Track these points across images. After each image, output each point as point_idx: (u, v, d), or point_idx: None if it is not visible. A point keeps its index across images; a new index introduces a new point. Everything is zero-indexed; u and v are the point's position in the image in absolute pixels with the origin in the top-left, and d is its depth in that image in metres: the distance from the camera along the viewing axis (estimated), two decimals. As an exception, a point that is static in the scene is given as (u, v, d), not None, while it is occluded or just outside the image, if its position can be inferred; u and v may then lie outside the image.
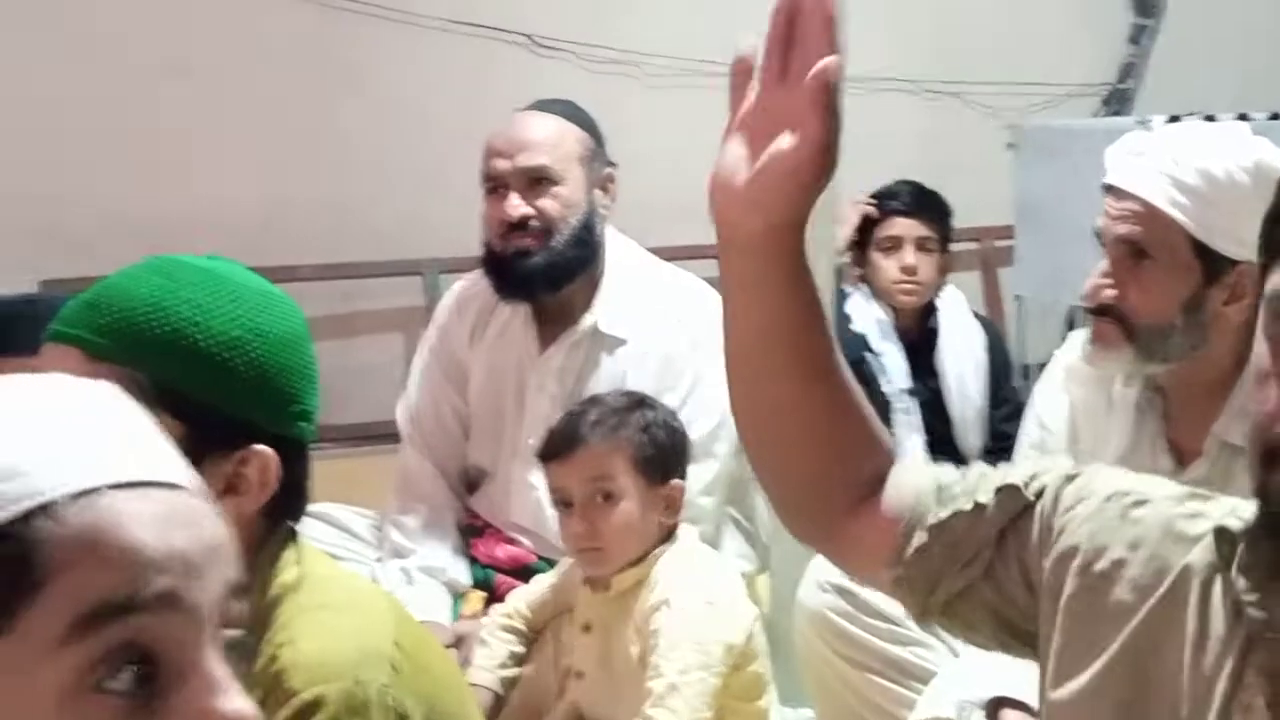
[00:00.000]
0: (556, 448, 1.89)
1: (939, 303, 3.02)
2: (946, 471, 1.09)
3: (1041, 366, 2.08)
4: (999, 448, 2.60)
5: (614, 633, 1.87)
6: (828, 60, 0.96)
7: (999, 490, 1.04)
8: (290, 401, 1.07)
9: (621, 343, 2.26)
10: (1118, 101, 4.52)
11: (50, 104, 3.62)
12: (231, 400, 1.03)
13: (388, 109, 3.94)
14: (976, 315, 3.17)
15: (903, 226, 2.97)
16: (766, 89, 1.01)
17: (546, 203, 2.20)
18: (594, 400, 1.98)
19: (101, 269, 1.20)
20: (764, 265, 1.04)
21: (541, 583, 2.05)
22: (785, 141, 0.98)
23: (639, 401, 1.94)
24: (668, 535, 1.89)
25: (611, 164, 2.31)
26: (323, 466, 1.16)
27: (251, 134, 3.86)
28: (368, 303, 3.96)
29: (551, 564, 2.15)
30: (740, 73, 1.03)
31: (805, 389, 1.06)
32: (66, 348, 1.03)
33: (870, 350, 2.91)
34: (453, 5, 3.92)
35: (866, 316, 2.96)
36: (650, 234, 2.52)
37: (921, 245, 2.96)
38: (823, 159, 0.97)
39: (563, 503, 1.89)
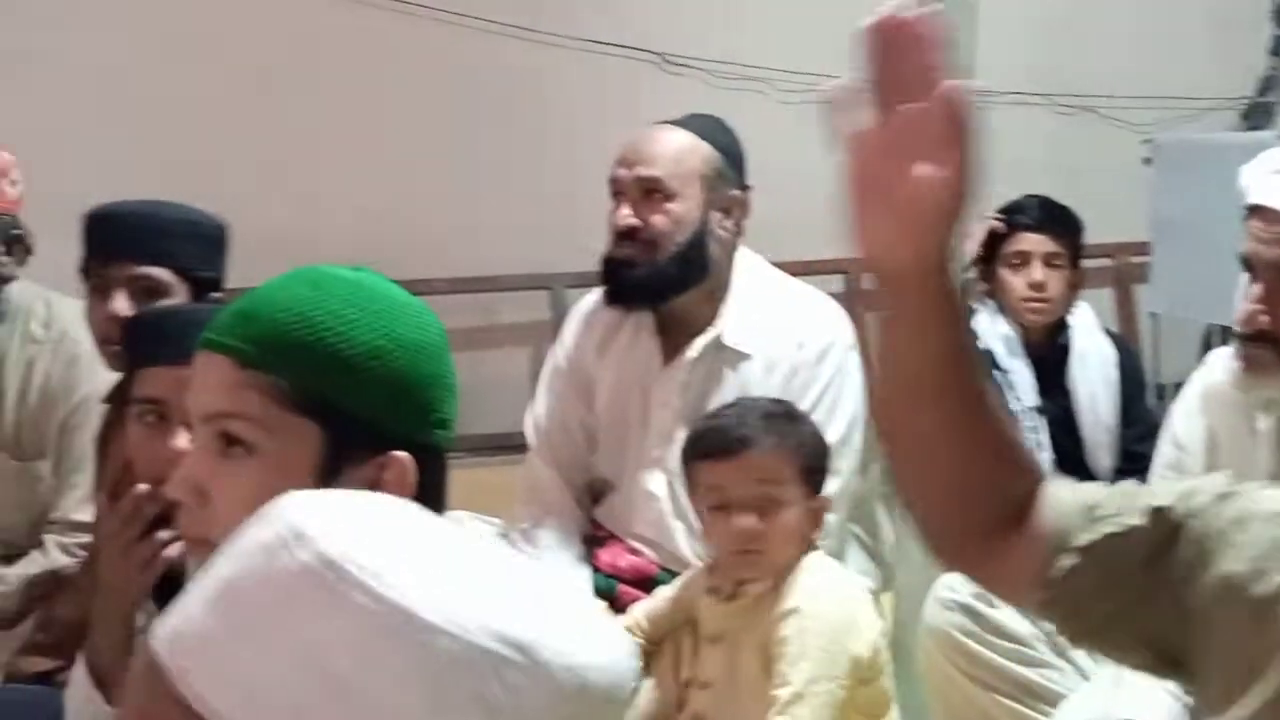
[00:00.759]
0: (722, 447, 1.86)
1: (1070, 319, 2.97)
2: (1095, 491, 1.07)
3: (1177, 386, 2.04)
4: (1130, 468, 2.55)
5: (742, 643, 1.87)
6: (952, 86, 0.95)
7: (1151, 511, 1.01)
8: (429, 409, 1.10)
9: (746, 357, 2.26)
10: (1258, 116, 4.40)
11: (203, 129, 3.77)
12: (372, 407, 1.06)
13: (522, 126, 4.02)
14: (1109, 333, 3.11)
15: (1031, 242, 2.93)
16: (882, 113, 1.00)
17: (656, 216, 2.22)
18: (755, 401, 1.96)
19: (249, 282, 1.25)
20: (915, 298, 1.03)
21: (661, 595, 2.07)
22: (923, 172, 0.97)
23: (794, 411, 1.94)
24: (808, 549, 1.89)
25: (745, 187, 2.31)
26: (452, 474, 1.19)
27: (389, 151, 3.97)
28: (498, 316, 4.03)
29: (674, 575, 2.16)
30: (839, 101, 1.02)
31: (955, 419, 1.05)
32: (218, 355, 1.07)
33: (998, 367, 2.87)
34: (586, 24, 3.98)
35: (993, 333, 2.92)
36: (778, 248, 2.52)
37: (1050, 261, 2.92)
38: (965, 188, 0.97)
39: (720, 504, 1.86)
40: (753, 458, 1.84)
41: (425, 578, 0.66)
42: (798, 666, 1.75)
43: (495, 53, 3.99)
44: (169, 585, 1.53)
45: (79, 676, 1.55)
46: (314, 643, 0.64)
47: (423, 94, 3.99)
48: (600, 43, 3.99)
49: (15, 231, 2.31)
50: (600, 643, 0.70)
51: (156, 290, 1.96)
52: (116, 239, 1.97)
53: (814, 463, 1.88)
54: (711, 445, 1.88)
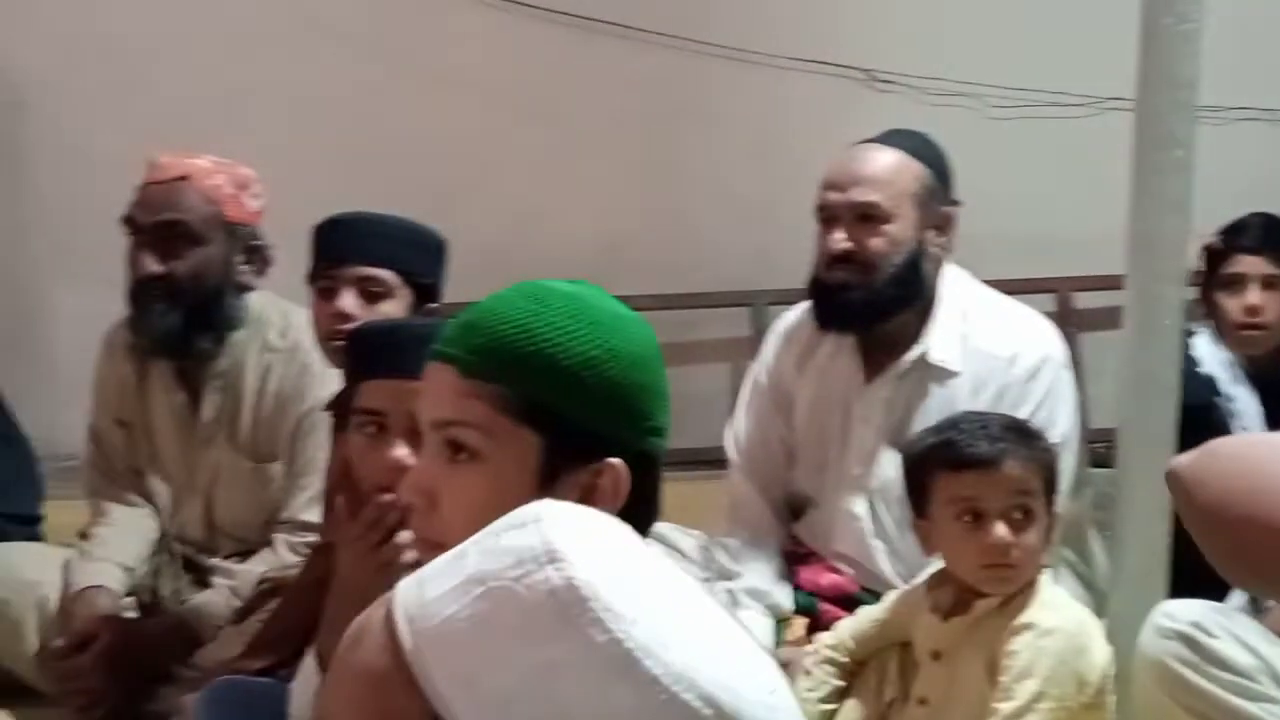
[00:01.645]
0: (979, 458, 1.83)
1: (1298, 345, 2.83)
2: None
3: None
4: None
5: (964, 659, 1.85)
6: None
7: None
8: (642, 417, 1.13)
9: (953, 374, 2.23)
10: None
11: (425, 151, 3.92)
12: (588, 415, 1.10)
13: (727, 144, 4.04)
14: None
15: (1247, 264, 2.79)
16: None
17: (873, 240, 2.18)
18: (984, 418, 1.91)
19: (468, 296, 1.30)
20: None
21: (867, 615, 2.05)
22: None
23: (1027, 425, 1.91)
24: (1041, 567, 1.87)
25: (954, 202, 2.27)
26: (656, 487, 1.21)
27: (598, 170, 4.05)
28: (698, 333, 4.06)
29: (875, 595, 2.14)
30: None
31: None
32: (445, 366, 1.12)
33: (1220, 394, 2.76)
34: (794, 42, 3.99)
35: (1215, 359, 2.81)
36: (987, 266, 2.48)
37: (1270, 284, 2.79)
38: None
39: (971, 513, 1.83)
40: (1010, 469, 1.81)
41: (655, 627, 0.69)
42: (1024, 683, 1.72)
43: (700, 72, 4.03)
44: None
45: (307, 669, 1.62)
46: (546, 664, 0.67)
47: (630, 113, 4.05)
48: (806, 60, 3.99)
49: (255, 242, 2.45)
50: (783, 715, 0.73)
51: (381, 291, 2.05)
52: (347, 242, 2.07)
53: (1052, 477, 1.85)
54: (966, 456, 1.83)
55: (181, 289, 2.36)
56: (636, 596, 0.70)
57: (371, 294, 2.04)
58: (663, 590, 0.73)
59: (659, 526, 2.41)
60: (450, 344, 1.13)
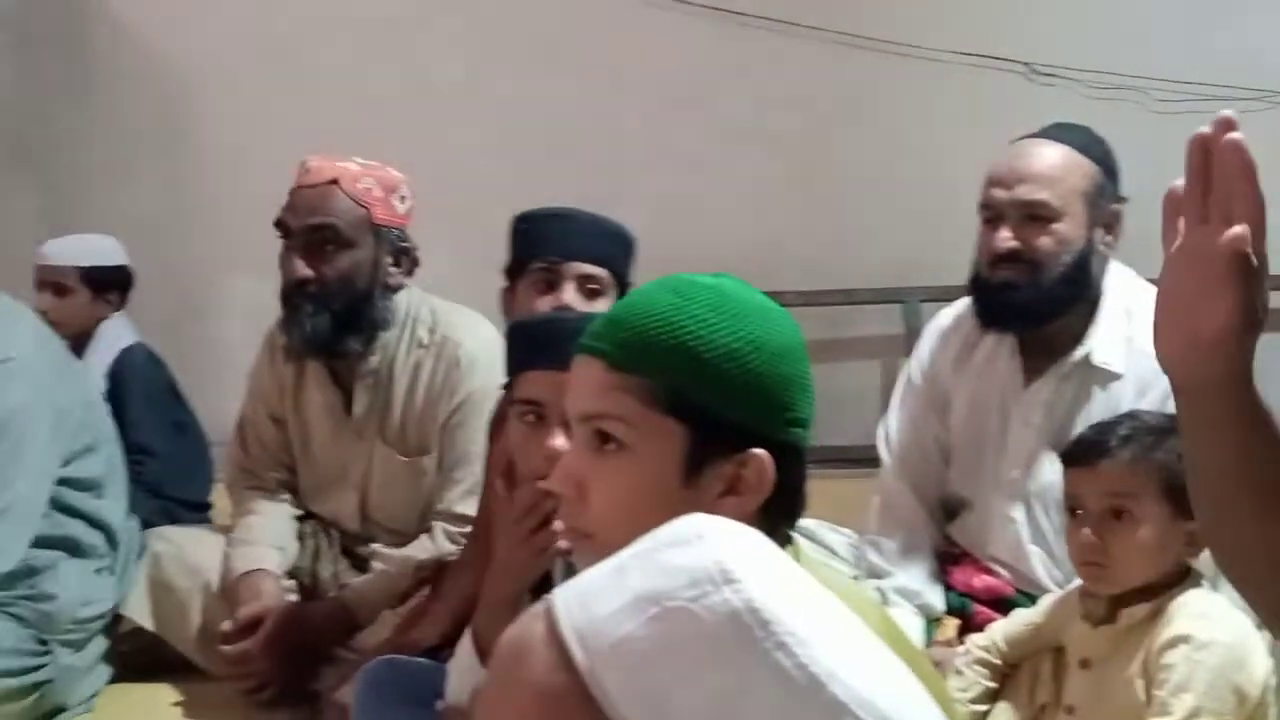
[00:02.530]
0: (1079, 455, 1.83)
1: None
2: None
3: None
4: None
5: (1114, 668, 1.81)
6: (1237, 231, 0.98)
7: None
8: (786, 409, 1.13)
9: (1116, 376, 2.17)
10: None
11: (583, 148, 3.97)
12: (732, 407, 1.11)
13: (882, 139, 4.01)
14: None
15: None
16: (1188, 227, 1.04)
17: (1041, 239, 2.14)
18: (1133, 415, 1.90)
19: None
20: (1219, 409, 1.06)
21: (1021, 618, 2.02)
22: (1211, 305, 1.02)
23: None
24: (1184, 574, 1.81)
25: (1121, 199, 2.21)
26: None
27: (753, 165, 4.05)
28: (849, 329, 4.03)
29: (1030, 598, 2.10)
30: (1169, 204, 1.06)
31: (1269, 528, 1.06)
32: (592, 359, 1.14)
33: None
34: (951, 35, 3.93)
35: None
36: (1154, 265, 2.41)
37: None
38: (1248, 321, 1.01)
39: (1072, 509, 1.83)
40: (1105, 468, 1.79)
41: (833, 651, 0.69)
42: (1180, 697, 1.68)
43: (857, 66, 4.00)
44: (544, 577, 1.64)
45: (464, 649, 1.67)
46: (731, 688, 0.67)
47: (786, 109, 4.05)
48: (964, 53, 3.93)
49: (403, 244, 2.48)
50: None
51: (598, 289, 2.07)
52: (571, 239, 2.09)
53: (1180, 483, 1.80)
54: (1071, 453, 1.86)
55: (331, 292, 2.39)
56: (811, 619, 0.70)
57: (590, 291, 2.07)
58: (828, 612, 0.73)
59: (808, 523, 2.43)
60: (596, 338, 1.15)
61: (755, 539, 0.75)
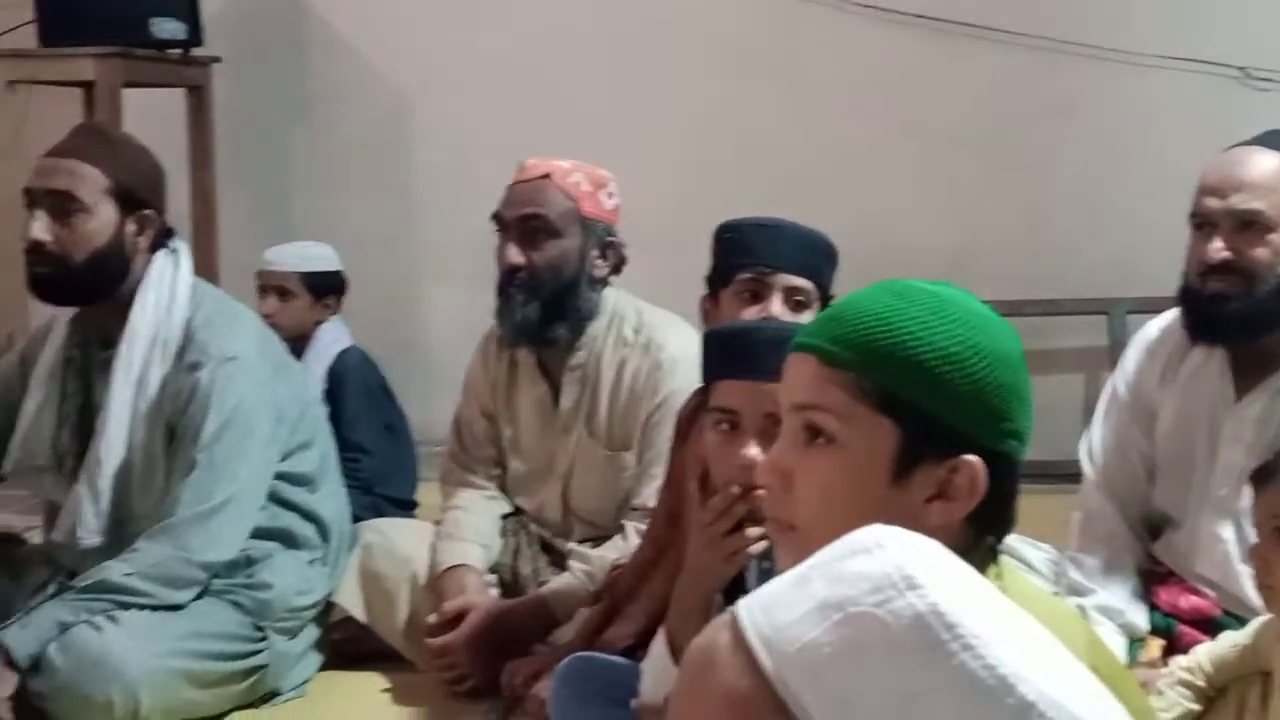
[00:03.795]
0: (1267, 474, 1.80)
1: None
2: None
3: None
4: None
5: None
6: None
7: None
8: (1001, 418, 1.12)
9: (1334, 392, 2.10)
10: None
11: (768, 153, 3.99)
12: (946, 410, 1.10)
13: (1087, 146, 3.92)
14: None
15: None
16: None
17: (1256, 250, 2.08)
18: None
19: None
20: None
21: (1228, 640, 1.96)
22: None
23: None
24: None
25: None
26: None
27: (949, 172, 4.00)
28: (1052, 341, 3.94)
29: (1238, 620, 2.04)
30: None
31: None
32: (806, 355, 1.15)
33: None
34: (1161, 39, 3.82)
35: None
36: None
37: None
38: None
39: (1274, 530, 1.78)
40: (1271, 491, 1.74)
41: (1019, 652, 0.69)
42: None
43: (1059, 71, 3.91)
44: (735, 582, 1.67)
45: (658, 648, 1.70)
46: (918, 690, 0.68)
47: (984, 115, 3.99)
48: (1174, 58, 3.81)
49: (610, 239, 2.57)
50: None
51: (804, 301, 2.08)
52: (782, 250, 2.09)
53: None
54: (1263, 471, 1.81)
55: (540, 279, 2.50)
56: (995, 623, 0.70)
57: (797, 303, 2.07)
58: (1011, 618, 0.73)
59: (1007, 539, 2.38)
60: (812, 335, 1.16)
61: (934, 547, 0.75)
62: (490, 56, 4.18)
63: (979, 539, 1.13)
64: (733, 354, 1.69)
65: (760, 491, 1.58)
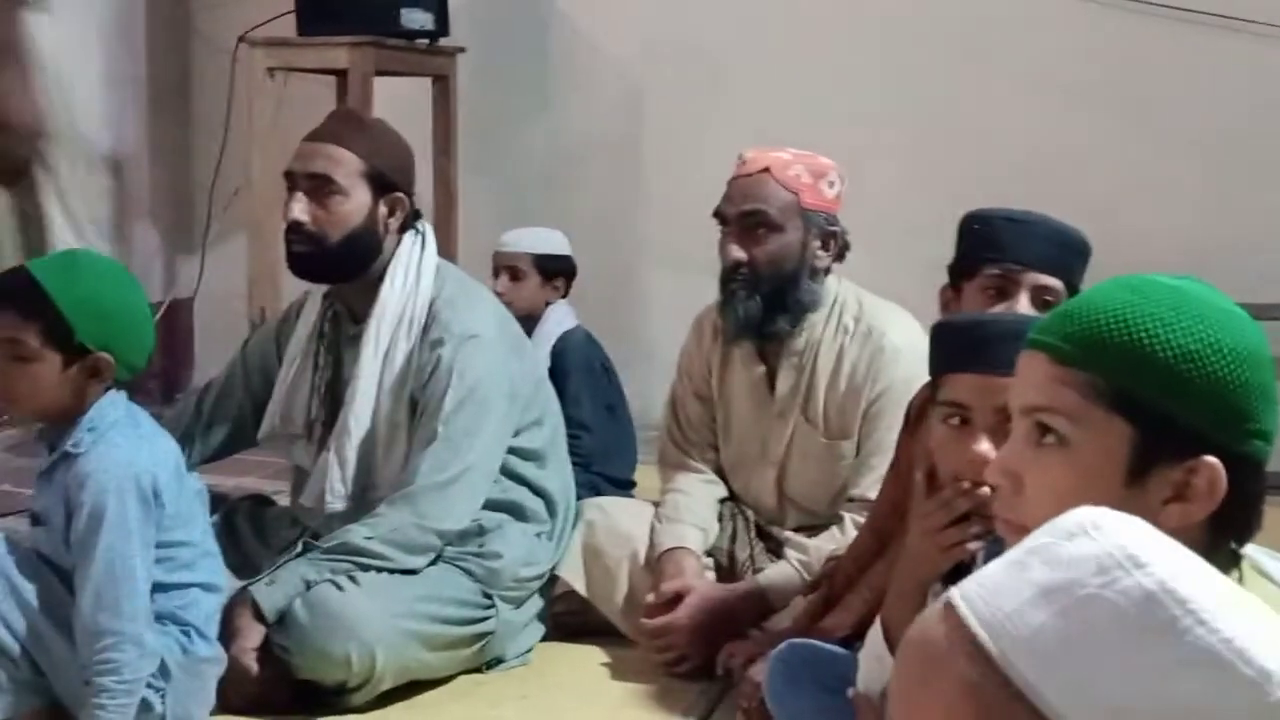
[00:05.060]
0: None
1: None
2: None
3: None
4: None
5: None
6: None
7: None
8: (1246, 418, 1.09)
9: None
10: None
11: (1013, 149, 3.91)
12: (1185, 410, 1.07)
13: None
14: None
15: None
16: None
17: None
18: None
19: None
20: None
21: None
22: None
23: None
24: None
25: None
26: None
27: (1185, 169, 3.86)
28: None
29: None
30: None
31: None
32: (1038, 353, 1.13)
33: None
34: None
35: None
36: None
37: None
38: None
39: None
40: None
41: (1250, 626, 0.69)
42: None
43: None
44: (958, 573, 1.66)
45: (874, 638, 1.71)
46: (1157, 668, 0.68)
47: (1229, 111, 3.83)
48: None
49: (831, 228, 2.57)
50: None
51: (1052, 302, 1.99)
52: (1032, 246, 2.03)
53: None
54: None
55: (761, 274, 2.52)
56: (1225, 597, 0.70)
57: (1045, 303, 1.99)
58: (1239, 593, 0.73)
59: (1246, 549, 2.30)
60: (1045, 332, 1.14)
61: (1148, 527, 0.75)
62: (722, 49, 4.22)
63: (1220, 542, 1.10)
64: (964, 347, 1.67)
65: (985, 489, 1.58)
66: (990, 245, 2.05)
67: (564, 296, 3.41)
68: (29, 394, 2.05)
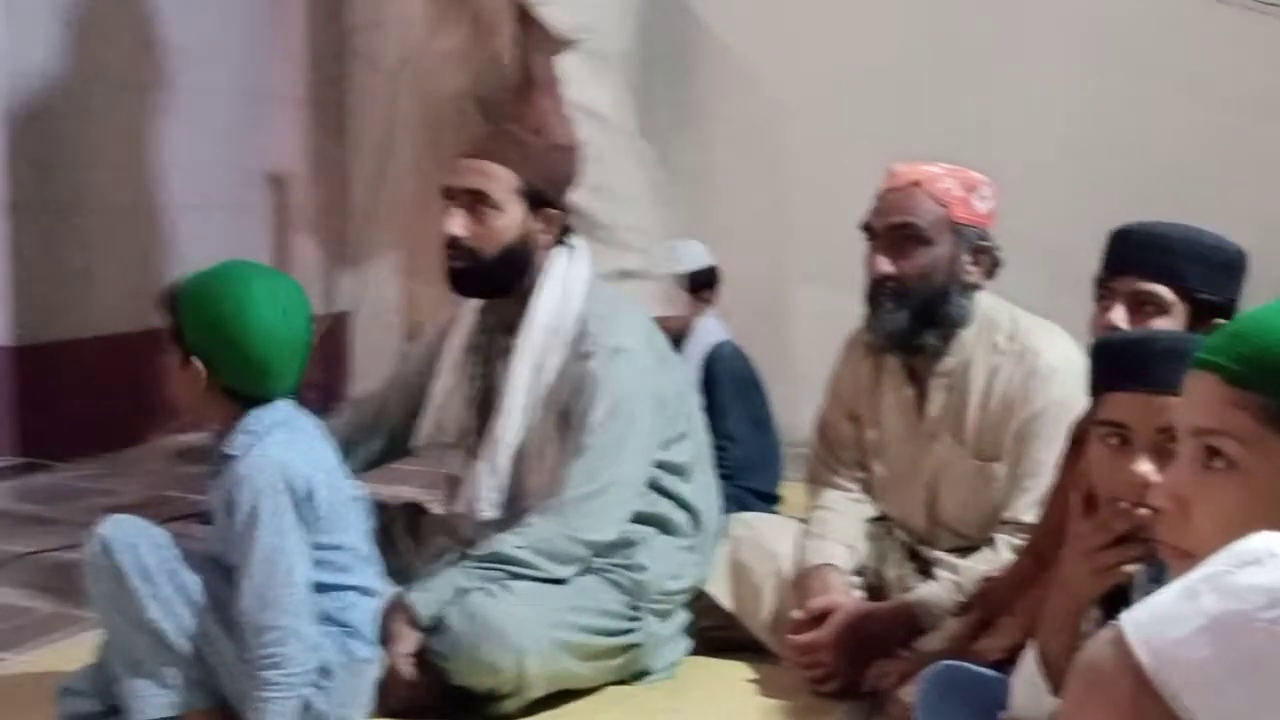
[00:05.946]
0: None
1: None
2: None
3: None
4: None
5: None
6: None
7: None
8: None
9: None
10: None
11: (1169, 157, 3.82)
12: None
13: None
14: None
15: None
16: None
17: None
18: None
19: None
20: None
21: None
22: None
23: None
24: None
25: None
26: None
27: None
28: None
29: None
30: None
31: None
32: (1207, 374, 1.11)
33: None
34: None
35: None
36: None
37: None
38: None
39: None
40: None
41: None
42: None
43: None
44: (1116, 596, 1.63)
45: (1027, 662, 1.68)
46: None
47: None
48: None
49: (983, 243, 2.53)
50: None
51: (1155, 306, 1.98)
52: (1126, 254, 2.03)
53: None
54: None
55: (909, 288, 2.49)
56: None
57: (1144, 309, 1.98)
58: None
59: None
60: (1214, 352, 1.11)
61: None
62: (868, 66, 4.21)
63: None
64: (1123, 365, 1.64)
65: (1143, 510, 1.55)
66: (1107, 256, 2.05)
67: (712, 305, 3.42)
68: (177, 396, 2.15)
